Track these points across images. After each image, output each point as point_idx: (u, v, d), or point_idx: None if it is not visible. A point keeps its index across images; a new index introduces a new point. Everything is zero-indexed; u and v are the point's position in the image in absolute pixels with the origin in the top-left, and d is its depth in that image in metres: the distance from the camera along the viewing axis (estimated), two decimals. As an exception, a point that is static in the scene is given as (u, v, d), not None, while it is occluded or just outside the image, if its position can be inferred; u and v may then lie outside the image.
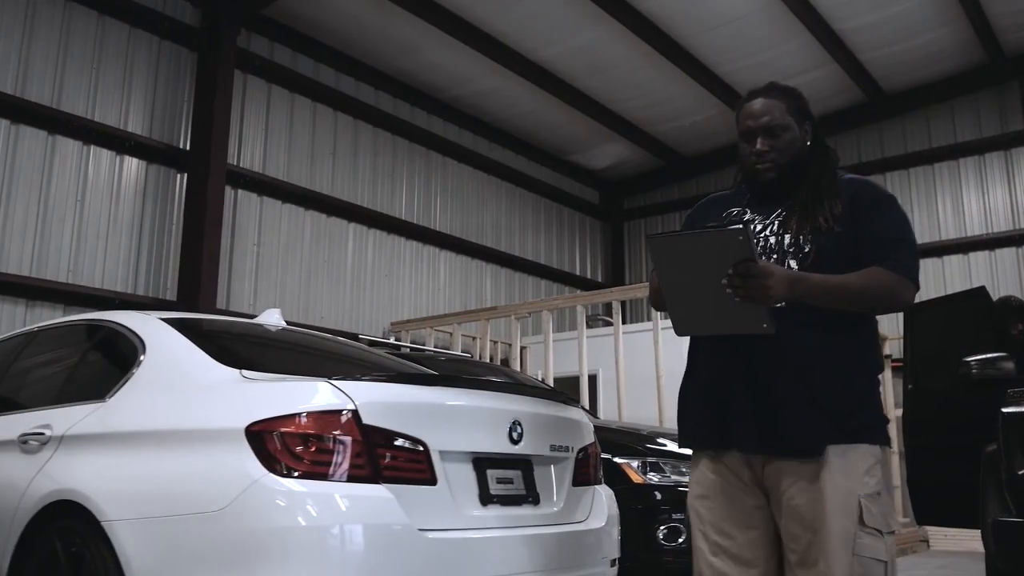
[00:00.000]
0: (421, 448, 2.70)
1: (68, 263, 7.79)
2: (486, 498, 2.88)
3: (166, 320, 3.37)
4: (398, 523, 2.55)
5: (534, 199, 13.32)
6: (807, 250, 2.36)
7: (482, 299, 12.00)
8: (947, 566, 8.15)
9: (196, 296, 8.12)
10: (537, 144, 13.17)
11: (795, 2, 9.79)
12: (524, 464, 3.09)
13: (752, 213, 2.50)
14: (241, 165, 9.10)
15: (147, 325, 3.33)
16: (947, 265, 11.86)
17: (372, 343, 6.98)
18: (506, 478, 3.00)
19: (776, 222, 2.44)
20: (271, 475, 2.50)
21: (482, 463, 2.91)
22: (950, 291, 11.62)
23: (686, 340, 2.51)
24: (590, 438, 3.48)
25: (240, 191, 9.09)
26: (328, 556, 2.48)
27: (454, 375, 3.47)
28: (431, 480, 2.70)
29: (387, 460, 2.62)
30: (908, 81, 11.95)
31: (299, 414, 2.58)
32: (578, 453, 3.34)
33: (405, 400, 2.76)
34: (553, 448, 3.20)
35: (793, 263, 2.36)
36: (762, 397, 2.31)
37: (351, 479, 2.55)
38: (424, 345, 9.24)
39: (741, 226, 2.23)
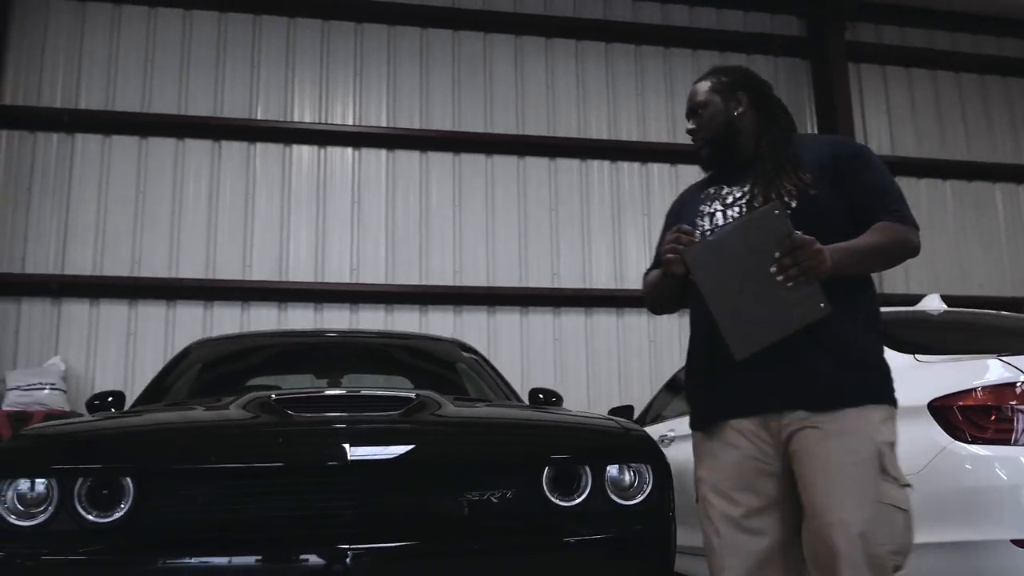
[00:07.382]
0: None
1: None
2: None
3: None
4: (1086, 482, 2.73)
5: None
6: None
7: None
8: None
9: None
10: None
11: None
12: None
13: (729, 187, 2.51)
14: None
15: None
16: None
17: None
18: None
19: (746, 195, 2.44)
20: (956, 443, 2.90)
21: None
22: None
23: None
24: None
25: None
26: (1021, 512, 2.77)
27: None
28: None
29: (1060, 426, 2.82)
30: None
31: (975, 389, 2.94)
32: None
33: (1071, 370, 2.91)
34: None
35: None
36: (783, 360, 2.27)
37: (1033, 443, 2.81)
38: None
39: (776, 201, 2.19)
